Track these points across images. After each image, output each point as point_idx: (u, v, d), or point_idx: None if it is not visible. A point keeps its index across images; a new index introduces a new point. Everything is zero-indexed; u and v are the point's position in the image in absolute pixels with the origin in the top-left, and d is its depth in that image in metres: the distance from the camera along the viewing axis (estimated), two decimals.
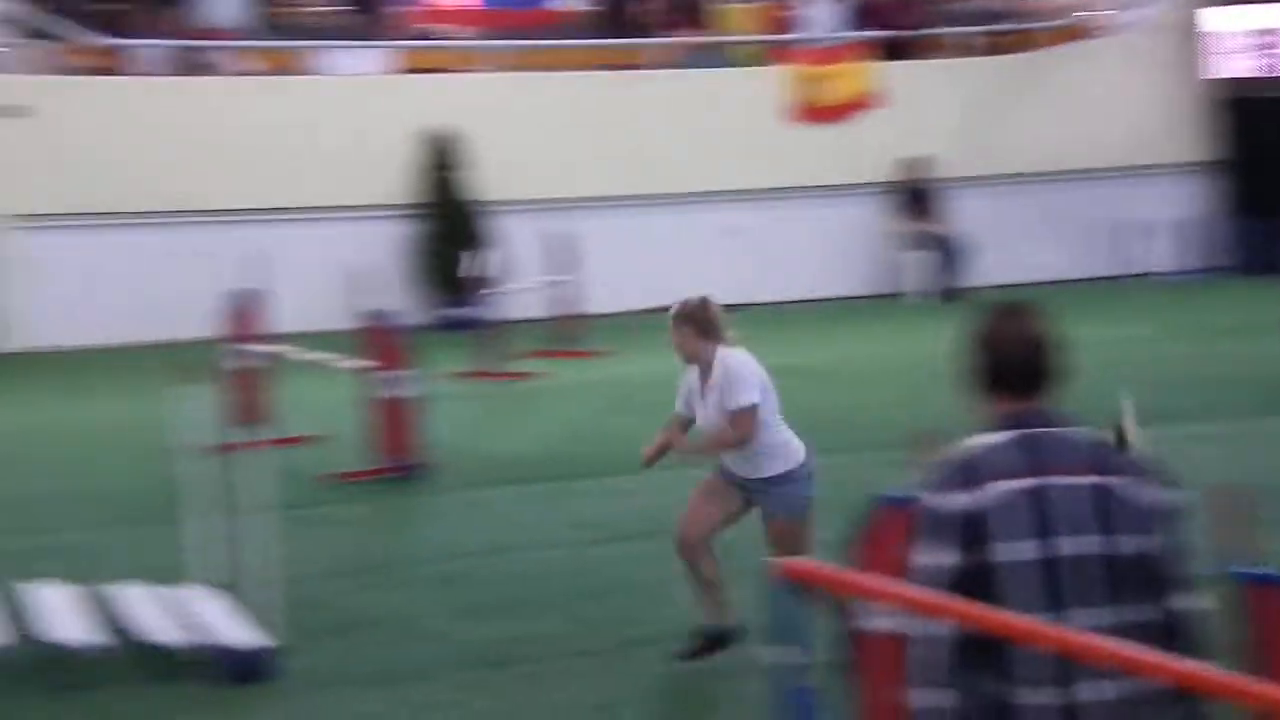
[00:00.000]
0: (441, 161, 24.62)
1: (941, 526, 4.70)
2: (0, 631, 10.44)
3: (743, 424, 8.86)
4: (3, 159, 22.93)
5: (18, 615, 10.72)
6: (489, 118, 25.05)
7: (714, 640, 9.22)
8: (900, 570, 5.26)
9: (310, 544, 12.65)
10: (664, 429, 9.49)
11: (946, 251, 26.65)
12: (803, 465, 9.09)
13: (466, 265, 21.92)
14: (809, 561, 5.79)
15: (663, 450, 9.40)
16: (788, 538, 8.88)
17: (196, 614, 10.63)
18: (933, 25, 29.93)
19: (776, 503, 9.10)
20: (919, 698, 4.65)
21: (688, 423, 9.28)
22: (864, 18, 28.91)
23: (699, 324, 9.08)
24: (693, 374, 9.11)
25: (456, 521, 14.74)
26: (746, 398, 8.84)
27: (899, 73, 27.88)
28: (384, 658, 10.43)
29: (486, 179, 24.82)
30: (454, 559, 13.02)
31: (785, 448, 9.04)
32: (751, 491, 9.10)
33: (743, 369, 8.97)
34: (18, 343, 23.12)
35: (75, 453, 17.34)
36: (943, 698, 4.48)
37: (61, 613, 10.60)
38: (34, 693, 9.82)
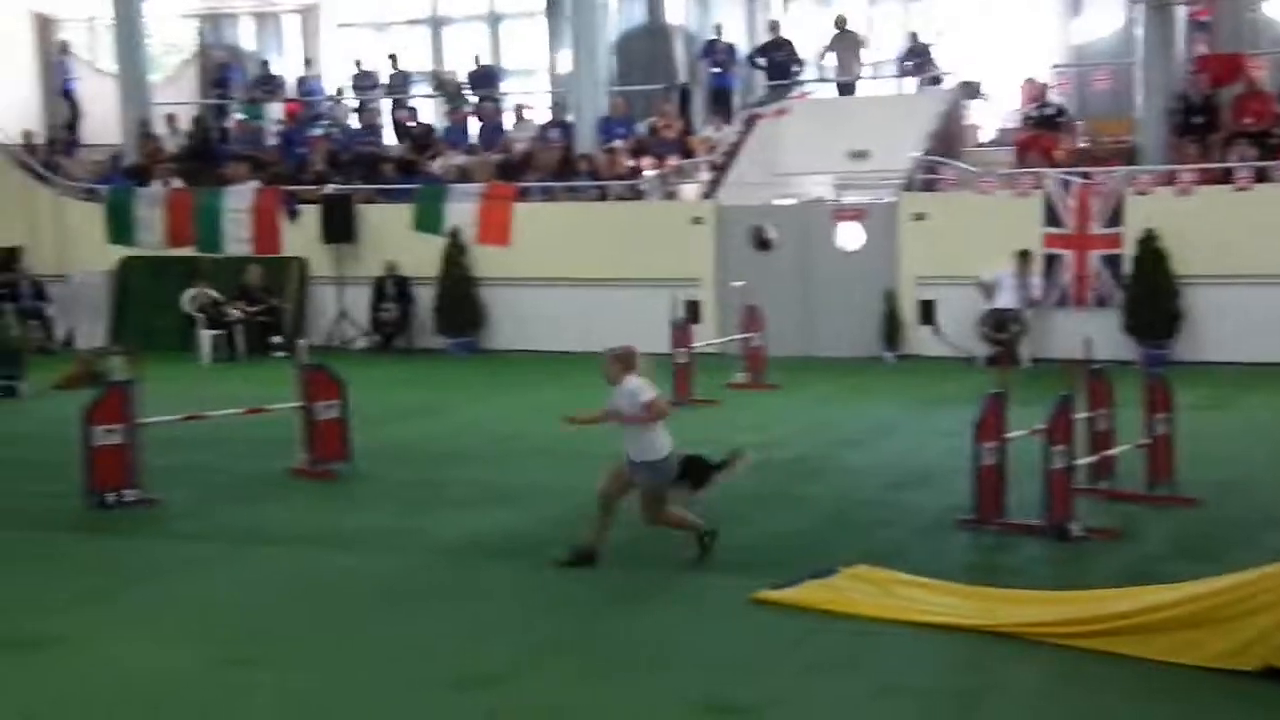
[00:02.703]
0: None
1: None
2: None
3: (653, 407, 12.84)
4: None
5: None
6: None
7: (587, 555, 13.07)
8: None
9: None
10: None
11: None
12: (665, 459, 12.83)
13: None
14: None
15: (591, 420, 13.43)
16: (649, 500, 12.95)
17: None
18: None
19: (642, 476, 12.94)
20: None
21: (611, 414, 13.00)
22: None
23: (625, 360, 13.00)
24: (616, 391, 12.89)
25: None
26: (647, 396, 12.73)
27: None
28: None
29: None
30: None
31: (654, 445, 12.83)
32: (632, 469, 12.85)
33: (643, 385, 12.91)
34: None
35: None
36: None
37: None
38: None
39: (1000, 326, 24.59)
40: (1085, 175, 25.20)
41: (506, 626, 12.27)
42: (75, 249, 31.11)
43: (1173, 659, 10.52)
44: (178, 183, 30.75)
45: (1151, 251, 24.10)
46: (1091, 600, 11.81)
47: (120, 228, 29.92)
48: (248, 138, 33.43)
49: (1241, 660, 10.24)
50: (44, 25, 35.52)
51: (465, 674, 10.99)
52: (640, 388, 12.75)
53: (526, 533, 15.05)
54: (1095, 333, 20.10)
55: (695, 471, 13.64)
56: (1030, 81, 28.04)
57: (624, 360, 12.97)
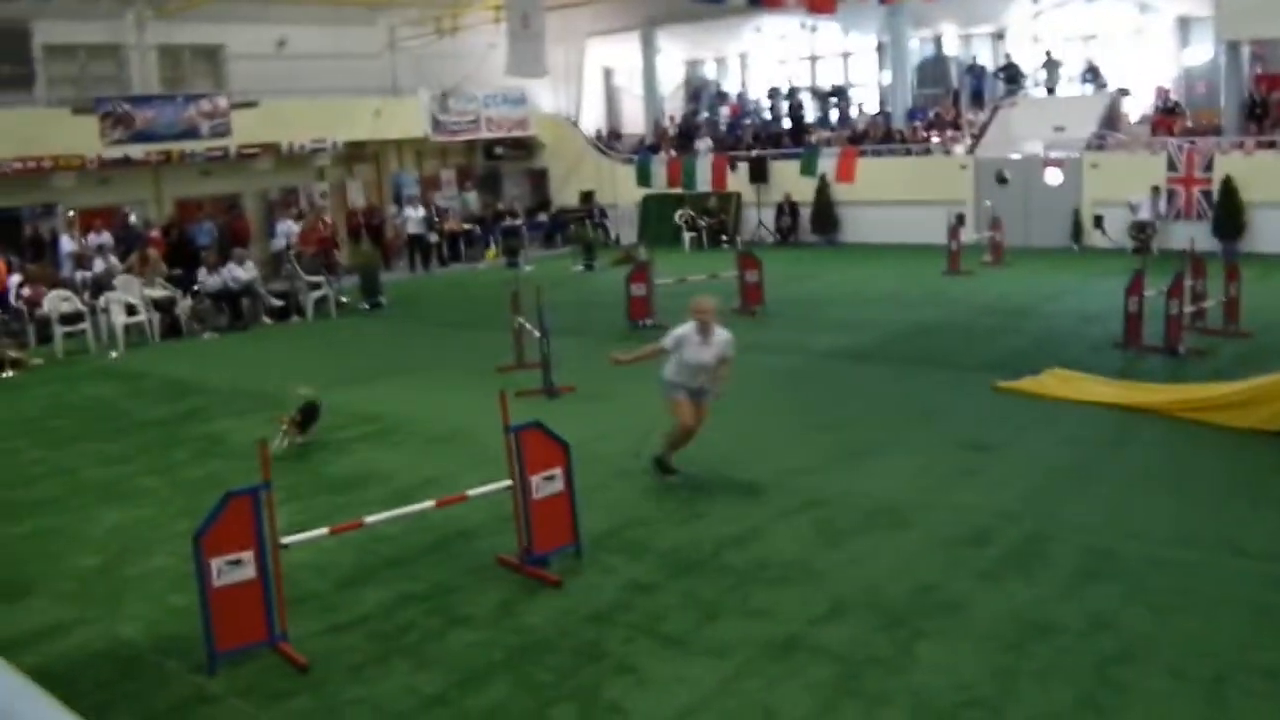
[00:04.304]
0: None
1: None
2: None
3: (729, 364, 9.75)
4: None
5: None
6: None
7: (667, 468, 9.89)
8: None
9: None
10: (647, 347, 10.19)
11: None
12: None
13: None
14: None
15: (640, 357, 10.09)
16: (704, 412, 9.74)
17: None
18: None
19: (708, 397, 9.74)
20: None
21: (660, 351, 9.70)
22: None
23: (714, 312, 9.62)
24: (689, 330, 9.49)
25: None
26: (732, 351, 9.68)
27: None
28: None
29: None
30: None
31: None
32: (698, 393, 9.64)
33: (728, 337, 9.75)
34: None
35: None
36: None
37: None
38: None
39: (1140, 231, 24.57)
40: (1191, 143, 24.94)
41: (849, 396, 13.06)
42: (620, 190, 31.93)
43: (1237, 424, 10.90)
44: (673, 153, 31.62)
45: (1228, 188, 24.04)
46: (1192, 390, 11.99)
47: (643, 177, 30.44)
48: (710, 127, 33.75)
49: (1264, 424, 10.76)
50: (607, 71, 36.32)
51: (823, 421, 11.83)
52: (730, 341, 9.80)
53: (866, 346, 15.68)
54: (1196, 235, 21.38)
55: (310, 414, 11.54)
56: (1159, 87, 27.55)
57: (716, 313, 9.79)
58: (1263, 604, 7.02)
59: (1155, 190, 24.92)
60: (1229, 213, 24.22)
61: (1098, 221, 26.24)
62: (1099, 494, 9.23)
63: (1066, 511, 8.83)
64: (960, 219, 24.79)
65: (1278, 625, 6.71)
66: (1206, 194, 24.57)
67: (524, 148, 33.11)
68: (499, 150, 32.56)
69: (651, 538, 8.54)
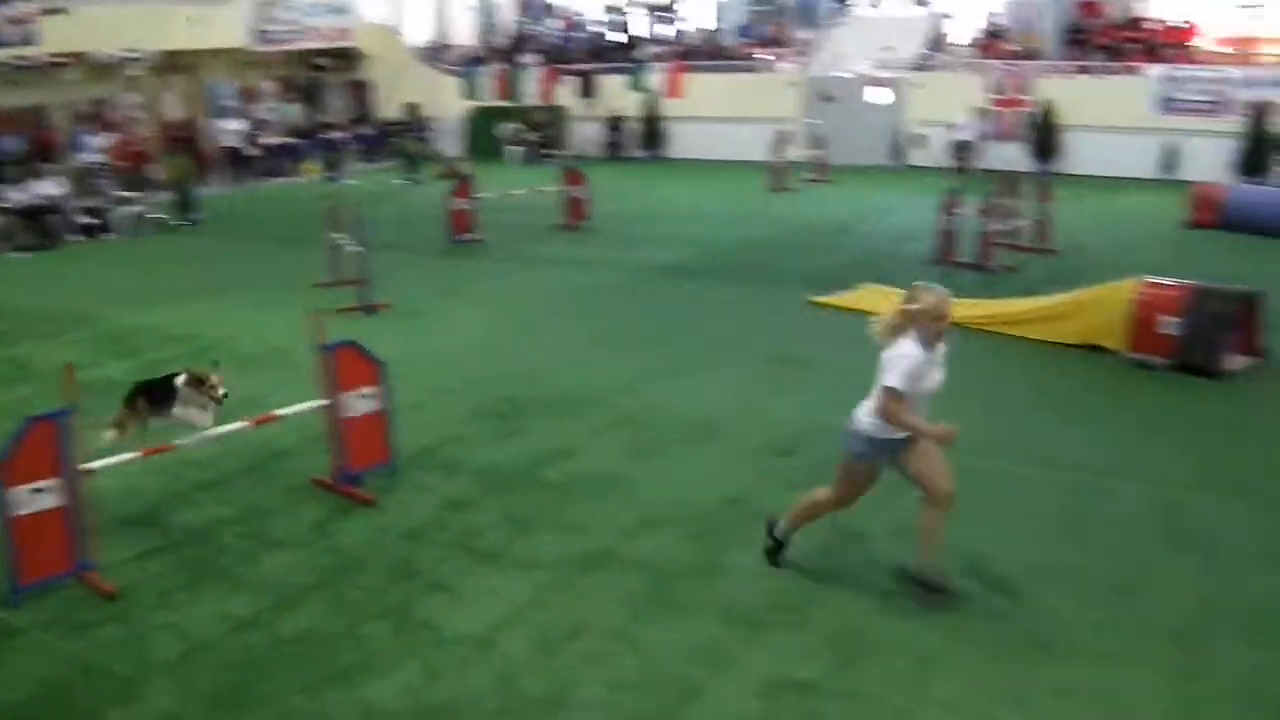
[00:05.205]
0: None
1: None
2: None
3: None
4: None
5: None
6: None
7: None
8: None
9: None
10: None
11: None
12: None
13: None
14: None
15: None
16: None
17: None
18: None
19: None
20: None
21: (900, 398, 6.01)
22: None
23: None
24: (918, 350, 5.96)
25: None
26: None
27: None
28: None
29: None
30: None
31: None
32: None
33: None
34: None
35: None
36: None
37: None
38: None
39: (961, 150, 25.26)
40: (1014, 67, 25.62)
41: (670, 312, 13.30)
42: (446, 104, 31.37)
43: (1045, 337, 11.47)
44: (501, 65, 31.53)
45: (1046, 110, 24.84)
46: (1001, 305, 12.41)
47: (470, 90, 30.42)
48: (539, 40, 33.44)
49: (1078, 338, 11.33)
50: None
51: (641, 336, 12.06)
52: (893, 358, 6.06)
53: (689, 262, 16.01)
54: (1014, 155, 22.27)
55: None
56: (989, 12, 28.00)
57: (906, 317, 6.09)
58: (1066, 510, 7.46)
59: (976, 111, 25.54)
60: (1046, 135, 24.99)
61: (919, 141, 26.83)
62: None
63: None
64: (786, 136, 25.11)
65: (1079, 529, 7.12)
66: (1026, 116, 25.27)
67: (347, 58, 32.34)
68: (321, 61, 31.76)
69: (468, 455, 8.60)
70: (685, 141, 29.52)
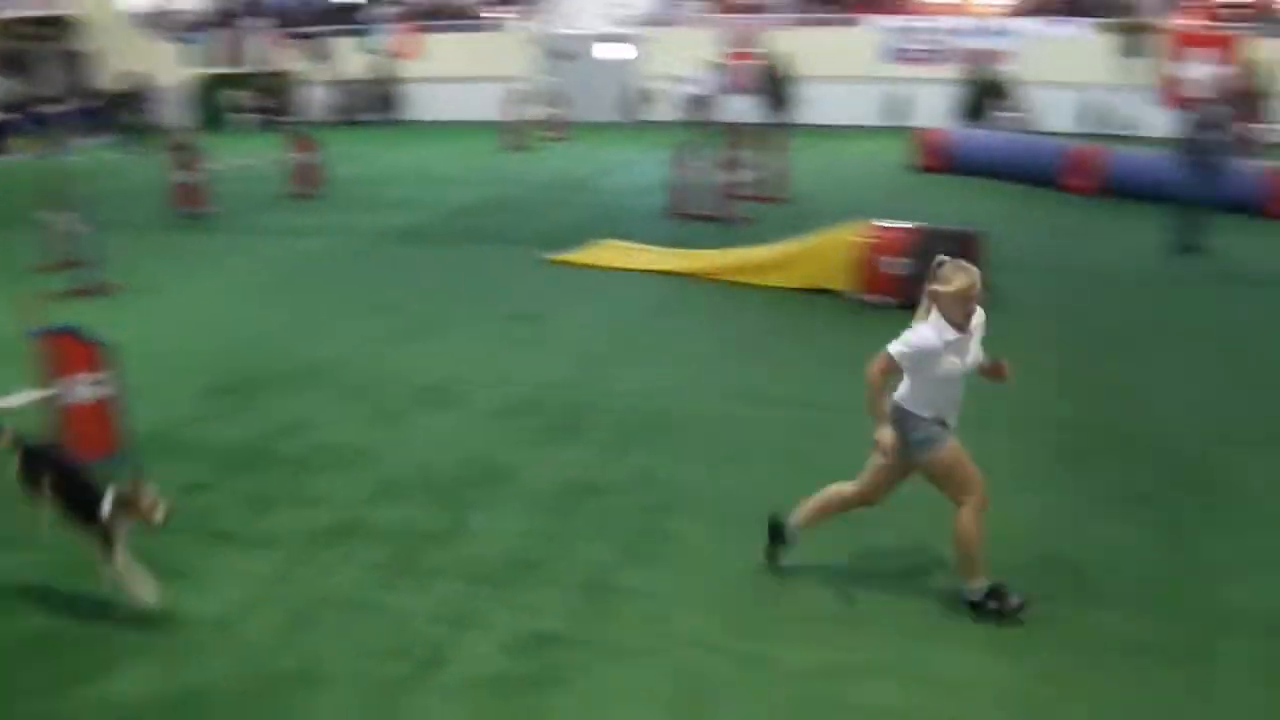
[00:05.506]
0: None
1: None
2: None
3: None
4: None
5: None
6: None
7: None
8: None
9: None
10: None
11: None
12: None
13: None
14: None
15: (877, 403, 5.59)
16: None
17: None
18: None
19: None
20: None
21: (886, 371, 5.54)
22: None
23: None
24: (936, 337, 5.43)
25: None
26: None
27: None
28: None
29: None
30: None
31: None
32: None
33: None
34: None
35: None
36: None
37: None
38: None
39: (696, 104, 25.83)
40: (746, 19, 26.61)
41: (407, 277, 13.21)
42: (169, 72, 29.96)
43: (778, 284, 11.90)
44: (228, 30, 30.61)
45: (778, 63, 25.43)
46: (735, 254, 12.79)
47: (195, 56, 29.26)
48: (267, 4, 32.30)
49: (810, 282, 11.78)
50: None
51: (377, 303, 11.97)
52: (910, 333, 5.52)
53: (423, 226, 16.04)
54: (748, 107, 22.81)
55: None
56: None
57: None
58: (792, 449, 7.78)
59: (710, 65, 26.11)
60: (778, 87, 25.69)
61: (651, 96, 27.23)
62: (647, 358, 9.87)
63: (615, 377, 9.37)
64: (522, 95, 25.10)
65: (805, 465, 7.40)
66: (759, 69, 25.97)
67: (61, 27, 30.68)
68: (32, 30, 30.06)
69: (202, 435, 8.33)
70: (421, 103, 29.32)
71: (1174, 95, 23.77)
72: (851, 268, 11.59)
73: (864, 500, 6.00)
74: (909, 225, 11.74)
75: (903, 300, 11.00)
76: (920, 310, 5.59)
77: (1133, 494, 7.14)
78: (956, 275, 5.45)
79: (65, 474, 5.92)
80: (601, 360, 9.83)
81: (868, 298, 11.42)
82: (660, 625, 5.64)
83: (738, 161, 16.48)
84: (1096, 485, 7.26)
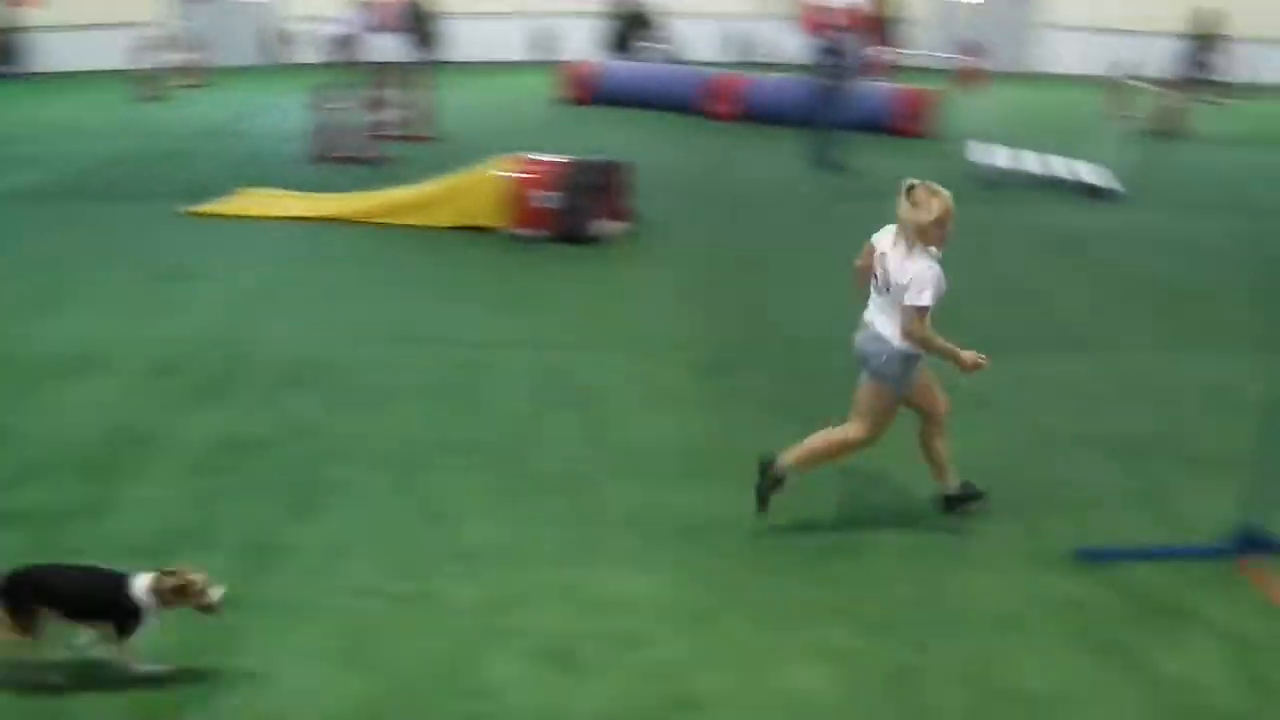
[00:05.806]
0: None
1: None
2: None
3: None
4: None
5: None
6: None
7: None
8: None
9: None
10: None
11: None
12: None
13: None
14: None
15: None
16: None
17: None
18: None
19: None
20: None
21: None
22: None
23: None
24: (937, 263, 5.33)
25: None
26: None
27: None
28: None
29: None
30: None
31: None
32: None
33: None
34: None
35: None
36: None
37: None
38: None
39: (340, 44, 25.24)
40: None
41: (32, 242, 12.19)
42: None
43: (425, 223, 11.90)
44: None
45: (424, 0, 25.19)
46: (381, 196, 12.71)
47: None
48: None
49: (459, 219, 11.80)
50: None
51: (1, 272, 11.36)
52: (920, 274, 5.31)
53: (49, 185, 14.78)
54: (394, 46, 22.44)
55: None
56: None
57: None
58: (448, 385, 7.92)
59: (353, 4, 25.56)
60: (423, 24, 25.35)
61: (295, 37, 26.60)
62: (298, 307, 9.74)
63: (266, 328, 9.20)
64: (154, 41, 23.98)
65: (461, 402, 7.55)
66: (403, 7, 25.45)
67: None
68: None
69: None
70: (47, 54, 27.14)
71: (810, 22, 24.84)
72: (503, 203, 11.68)
73: (873, 442, 5.83)
74: (558, 158, 11.92)
75: (555, 233, 11.32)
76: (900, 245, 5.36)
77: (776, 403, 7.57)
78: (933, 201, 5.28)
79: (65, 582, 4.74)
80: (251, 313, 9.60)
81: (521, 232, 11.54)
82: (325, 579, 5.57)
83: (383, 101, 16.37)
84: (734, 399, 7.71)
